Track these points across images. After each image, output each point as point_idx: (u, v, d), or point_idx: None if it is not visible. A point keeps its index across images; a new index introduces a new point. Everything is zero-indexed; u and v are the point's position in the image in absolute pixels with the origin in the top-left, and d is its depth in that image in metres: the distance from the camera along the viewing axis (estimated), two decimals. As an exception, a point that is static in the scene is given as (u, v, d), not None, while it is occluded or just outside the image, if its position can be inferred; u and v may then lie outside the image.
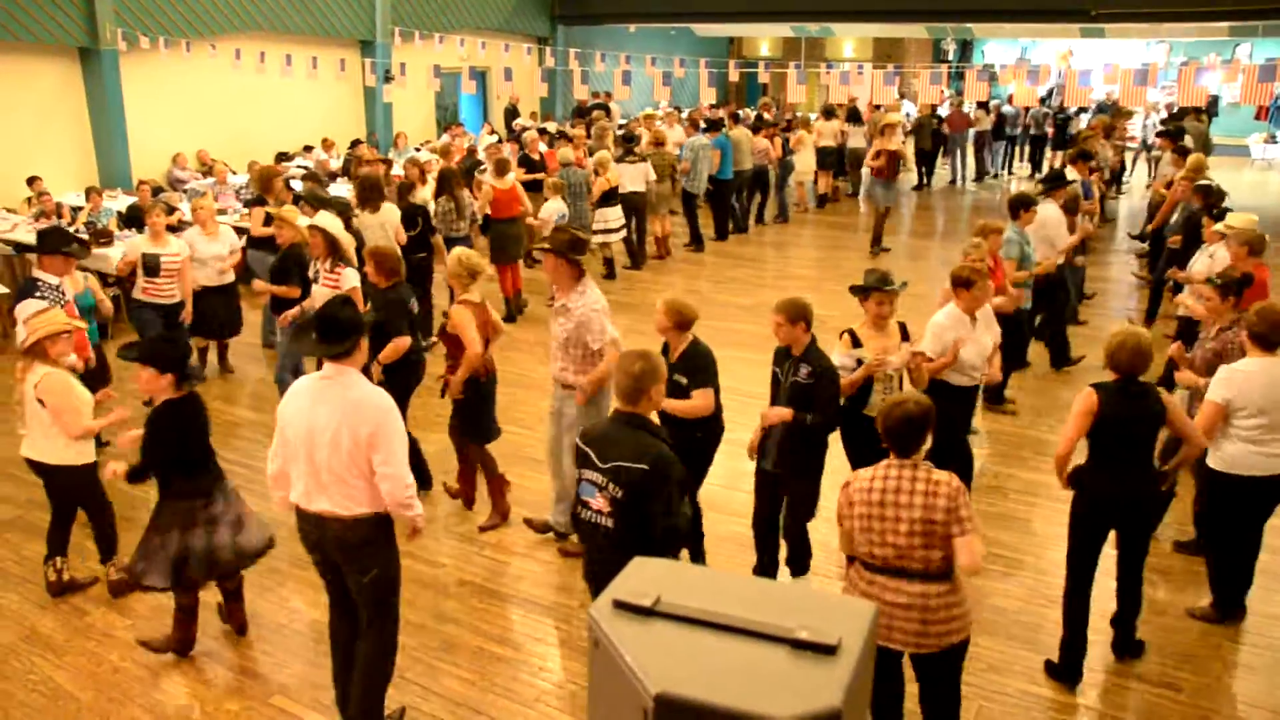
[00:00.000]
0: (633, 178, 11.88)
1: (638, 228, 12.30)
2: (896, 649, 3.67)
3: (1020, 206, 7.73)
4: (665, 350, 5.12)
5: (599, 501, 3.72)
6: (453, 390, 5.86)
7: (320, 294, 6.64)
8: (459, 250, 6.04)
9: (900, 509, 3.55)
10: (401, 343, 6.05)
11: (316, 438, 3.82)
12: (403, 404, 6.42)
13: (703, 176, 13.09)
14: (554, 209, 10.31)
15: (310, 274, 6.98)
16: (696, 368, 5.06)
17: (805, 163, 15.42)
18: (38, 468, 5.17)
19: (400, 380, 6.15)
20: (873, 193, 13.39)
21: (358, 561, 3.97)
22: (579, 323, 5.39)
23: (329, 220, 6.91)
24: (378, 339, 5.83)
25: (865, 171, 14.34)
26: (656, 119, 15.82)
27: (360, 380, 3.93)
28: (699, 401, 5.02)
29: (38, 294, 6.22)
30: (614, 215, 11.47)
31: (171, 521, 4.51)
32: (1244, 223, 7.28)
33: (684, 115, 17.82)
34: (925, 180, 18.29)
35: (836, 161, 16.29)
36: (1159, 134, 12.93)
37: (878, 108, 17.34)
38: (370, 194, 8.76)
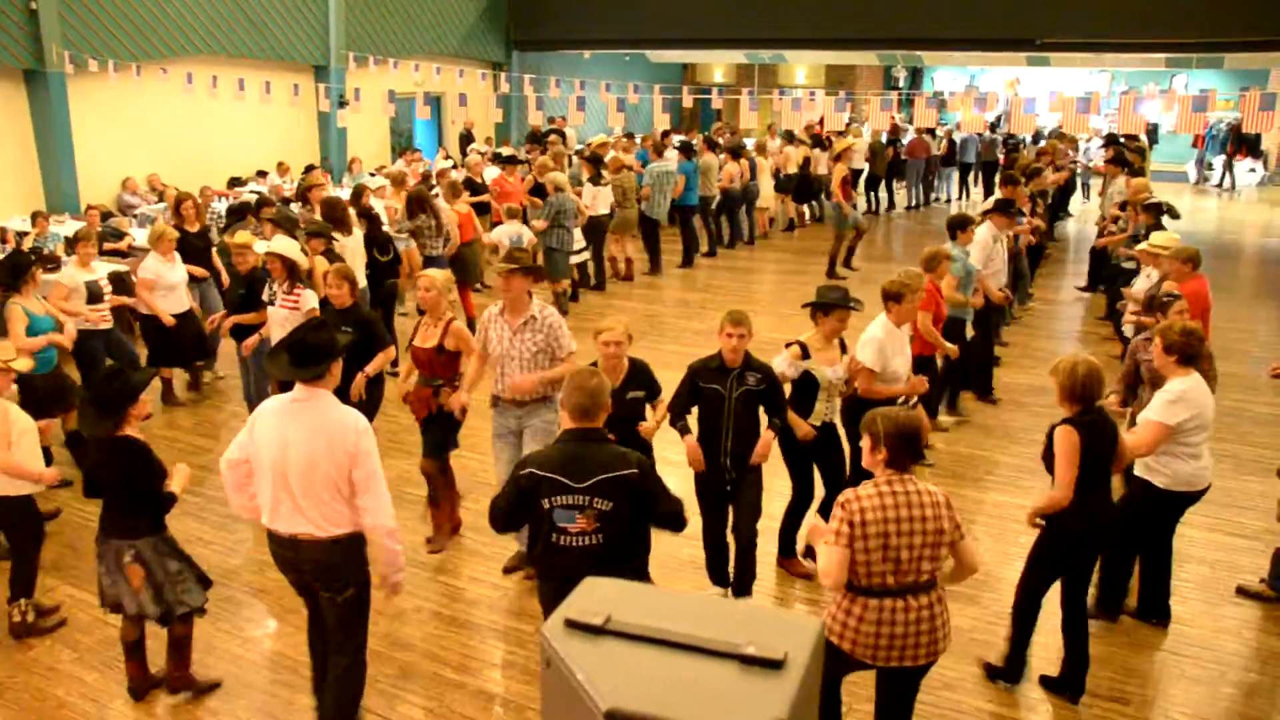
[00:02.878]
0: (604, 200, 12.03)
1: (595, 252, 12.38)
2: (895, 666, 3.66)
3: (958, 227, 7.98)
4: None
5: (581, 523, 3.67)
6: (459, 401, 5.76)
7: (277, 316, 6.71)
8: (441, 272, 6.05)
9: (915, 523, 3.54)
10: (390, 352, 6.32)
11: (291, 461, 3.82)
12: (373, 418, 6.49)
13: (663, 203, 13.19)
14: (507, 231, 10.32)
15: (266, 296, 6.95)
16: (648, 378, 5.34)
17: (765, 188, 15.58)
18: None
19: (375, 394, 6.40)
20: (833, 217, 13.59)
21: (335, 580, 3.99)
22: (549, 331, 5.46)
23: (285, 244, 6.96)
24: (357, 357, 5.92)
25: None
26: (612, 145, 15.89)
27: (334, 403, 3.93)
28: (665, 408, 5.29)
29: None
30: (574, 237, 11.50)
31: (103, 554, 4.46)
32: (1168, 241, 7.50)
33: (637, 140, 17.97)
34: (874, 206, 18.53)
35: (799, 187, 16.47)
36: (1107, 161, 13.29)
37: (840, 134, 17.55)
38: (341, 217, 8.72)
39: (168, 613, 4.45)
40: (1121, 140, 14.61)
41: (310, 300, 6.76)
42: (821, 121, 17.29)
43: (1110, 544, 4.78)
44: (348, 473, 3.82)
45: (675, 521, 3.89)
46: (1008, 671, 4.75)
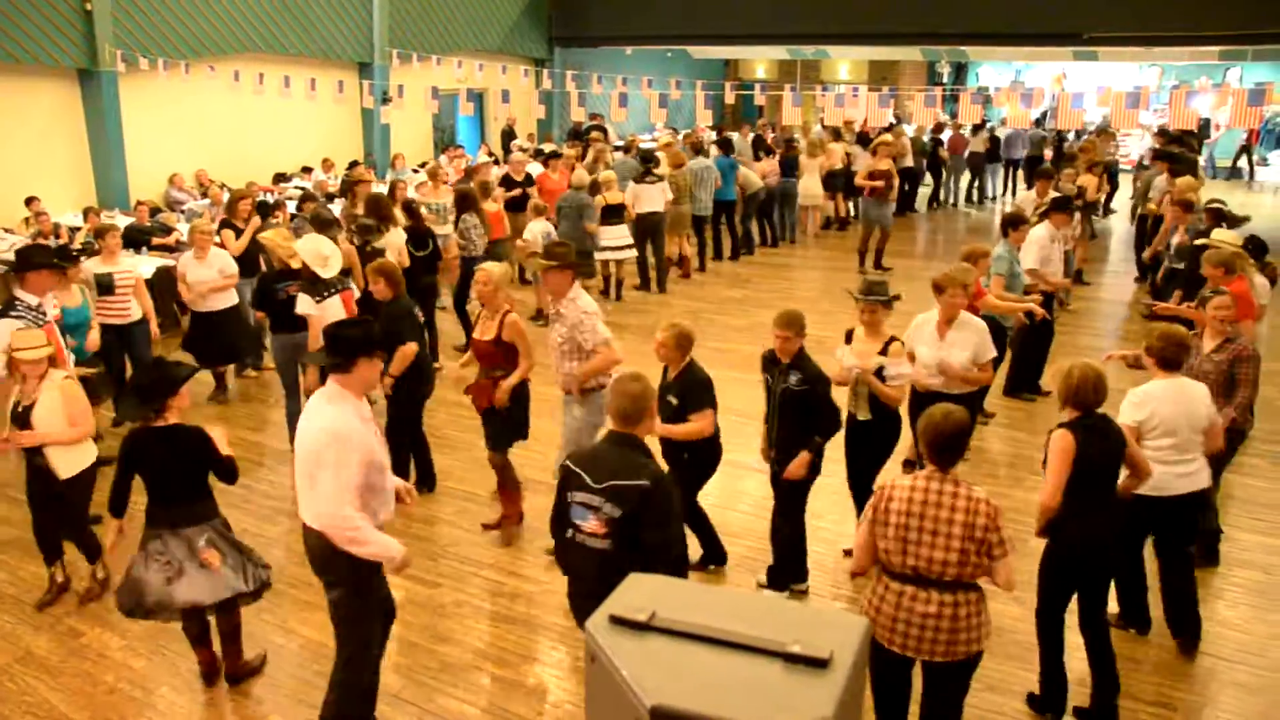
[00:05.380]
0: (650, 198, 11.75)
1: (655, 249, 12.21)
2: (912, 657, 3.70)
3: (1010, 225, 7.82)
4: (665, 372, 5.26)
5: (592, 524, 3.63)
6: (501, 396, 5.79)
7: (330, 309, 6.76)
8: (499, 266, 6.05)
9: (939, 523, 3.55)
10: (408, 350, 6.23)
11: (298, 449, 3.95)
12: (415, 412, 6.67)
13: (706, 199, 13.05)
14: (539, 229, 10.33)
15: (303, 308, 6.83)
16: (692, 390, 5.15)
17: (810, 186, 15.29)
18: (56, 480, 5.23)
19: (410, 389, 6.41)
20: (866, 213, 13.49)
21: (322, 574, 4.01)
22: (572, 324, 5.63)
23: (306, 245, 6.94)
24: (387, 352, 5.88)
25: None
26: (674, 144, 15.78)
27: (336, 403, 3.90)
28: (697, 425, 5.11)
29: (14, 314, 6.09)
30: (617, 233, 11.38)
31: (160, 551, 4.43)
32: (1230, 239, 7.35)
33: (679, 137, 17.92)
34: (911, 202, 18.33)
35: (845, 184, 16.29)
36: (1155, 156, 13.03)
37: (887, 129, 17.33)
38: (385, 214, 8.76)
39: (245, 594, 4.52)
40: (1175, 137, 14.32)
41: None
42: (865, 121, 17.13)
43: (1114, 562, 4.55)
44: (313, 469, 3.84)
45: (657, 554, 3.50)
46: (1045, 701, 4.51)
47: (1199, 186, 10.35)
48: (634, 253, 11.75)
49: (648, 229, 11.90)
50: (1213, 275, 6.61)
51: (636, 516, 3.53)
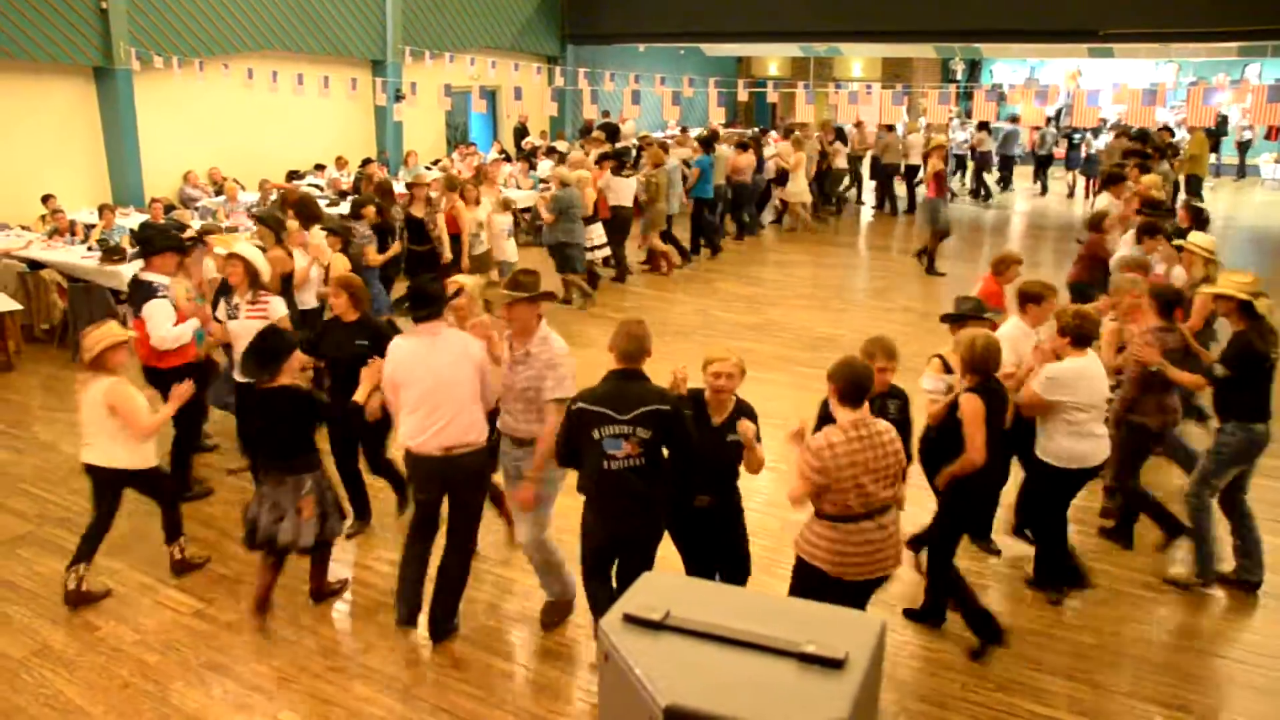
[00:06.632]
0: (620, 193, 11.97)
1: (618, 241, 12.33)
2: (877, 578, 4.18)
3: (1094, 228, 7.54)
4: (700, 403, 4.50)
5: (626, 449, 4.20)
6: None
7: (245, 329, 5.89)
8: (472, 278, 5.96)
9: (877, 458, 4.01)
10: (380, 368, 5.22)
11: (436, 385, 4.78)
12: (384, 428, 5.82)
13: (671, 197, 12.99)
14: (502, 224, 10.52)
15: (223, 312, 6.37)
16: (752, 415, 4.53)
17: (799, 183, 15.40)
18: (103, 473, 5.33)
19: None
20: (923, 213, 13.40)
21: (475, 490, 5.04)
22: (544, 365, 4.79)
23: (248, 249, 6.45)
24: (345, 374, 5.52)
25: (920, 190, 14.54)
26: (654, 143, 15.79)
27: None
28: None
29: (159, 295, 6.26)
30: (597, 233, 11.66)
31: (268, 495, 5.04)
32: (1207, 244, 7.18)
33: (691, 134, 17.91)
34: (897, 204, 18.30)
35: (817, 180, 16.35)
36: (1124, 155, 12.84)
37: (891, 128, 17.32)
38: (312, 211, 8.34)
39: (320, 542, 5.13)
40: (1139, 134, 14.20)
41: (279, 308, 6.27)
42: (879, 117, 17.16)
43: (1001, 482, 5.13)
44: None
45: (687, 458, 4.30)
46: (925, 614, 5.12)
47: (1160, 184, 10.22)
48: (607, 250, 11.95)
49: (620, 224, 12.10)
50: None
51: (666, 435, 4.20)
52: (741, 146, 14.50)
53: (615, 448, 4.21)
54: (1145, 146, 13.12)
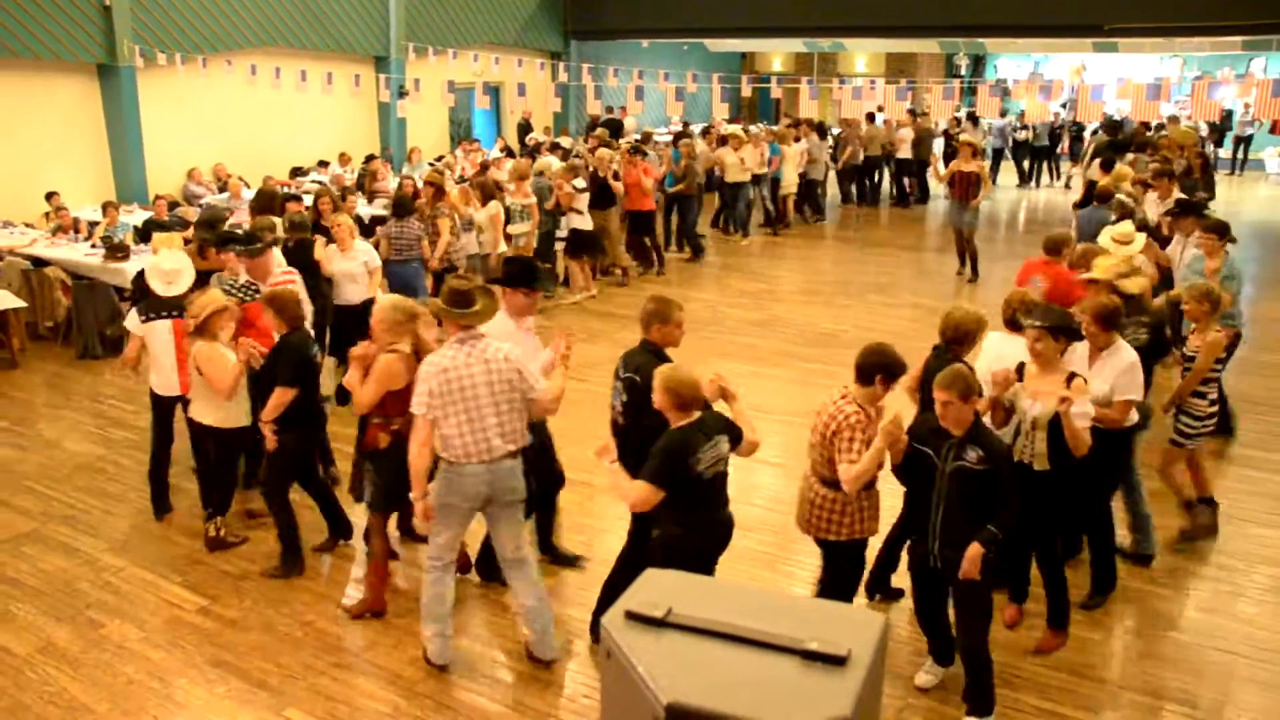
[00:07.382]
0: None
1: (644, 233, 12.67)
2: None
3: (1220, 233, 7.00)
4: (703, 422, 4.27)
5: (618, 406, 4.71)
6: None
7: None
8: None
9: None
10: (284, 396, 5.32)
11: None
12: (299, 464, 5.69)
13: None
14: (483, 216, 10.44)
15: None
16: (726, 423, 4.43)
17: (789, 175, 15.51)
18: (196, 428, 5.83)
19: (296, 437, 5.51)
20: (949, 215, 13.30)
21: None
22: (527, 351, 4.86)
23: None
24: (266, 392, 5.42)
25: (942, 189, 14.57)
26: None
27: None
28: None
29: (223, 286, 6.38)
30: (574, 222, 11.67)
31: None
32: (1122, 234, 6.79)
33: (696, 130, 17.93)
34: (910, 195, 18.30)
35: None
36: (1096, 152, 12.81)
37: (871, 118, 17.47)
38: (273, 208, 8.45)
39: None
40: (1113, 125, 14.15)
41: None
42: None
43: None
44: None
45: (655, 431, 4.21)
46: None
47: (1129, 177, 10.14)
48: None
49: (644, 217, 12.42)
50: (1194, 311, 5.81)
51: (635, 400, 4.51)
52: (720, 141, 14.69)
53: (615, 401, 4.76)
54: (1118, 136, 13.02)
